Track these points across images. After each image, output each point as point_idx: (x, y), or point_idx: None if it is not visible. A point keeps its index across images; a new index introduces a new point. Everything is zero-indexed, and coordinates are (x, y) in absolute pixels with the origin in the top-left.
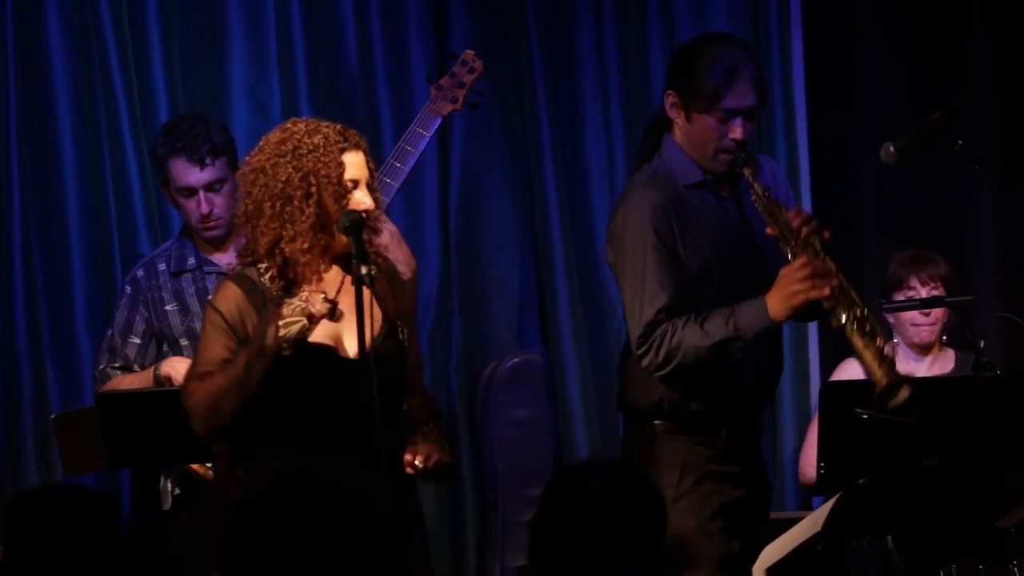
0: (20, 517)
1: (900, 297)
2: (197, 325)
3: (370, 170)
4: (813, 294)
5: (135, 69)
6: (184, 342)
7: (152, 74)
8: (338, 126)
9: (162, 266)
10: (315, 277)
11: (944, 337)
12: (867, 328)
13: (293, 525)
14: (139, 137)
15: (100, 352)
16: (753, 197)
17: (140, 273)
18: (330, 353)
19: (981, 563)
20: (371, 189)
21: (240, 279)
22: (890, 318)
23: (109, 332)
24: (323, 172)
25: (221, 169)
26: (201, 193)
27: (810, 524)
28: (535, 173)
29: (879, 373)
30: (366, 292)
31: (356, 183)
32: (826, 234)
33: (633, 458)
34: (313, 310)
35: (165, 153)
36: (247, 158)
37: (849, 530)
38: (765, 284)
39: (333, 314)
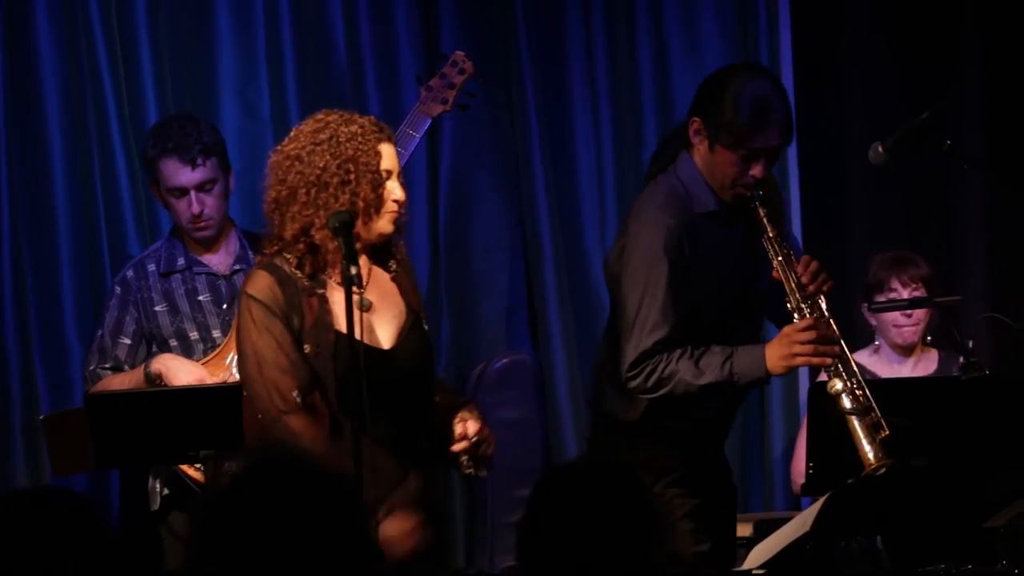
0: (3, 520)
1: (882, 299)
2: (187, 326)
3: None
4: (815, 361)
5: (124, 69)
6: (173, 343)
7: (141, 74)
8: (371, 117)
9: (152, 267)
10: (335, 290)
11: (928, 338)
12: (861, 401)
13: (259, 513)
14: (128, 137)
15: (90, 353)
16: (764, 239)
17: (130, 274)
18: (367, 347)
19: (971, 563)
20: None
21: (271, 268)
22: (872, 320)
23: (99, 333)
24: (362, 160)
25: (212, 169)
26: (192, 193)
27: (799, 524)
28: (524, 173)
29: (869, 456)
30: (368, 287)
31: (390, 173)
32: (828, 286)
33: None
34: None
35: (156, 153)
36: (279, 146)
37: (838, 530)
38: (758, 323)
39: (363, 305)
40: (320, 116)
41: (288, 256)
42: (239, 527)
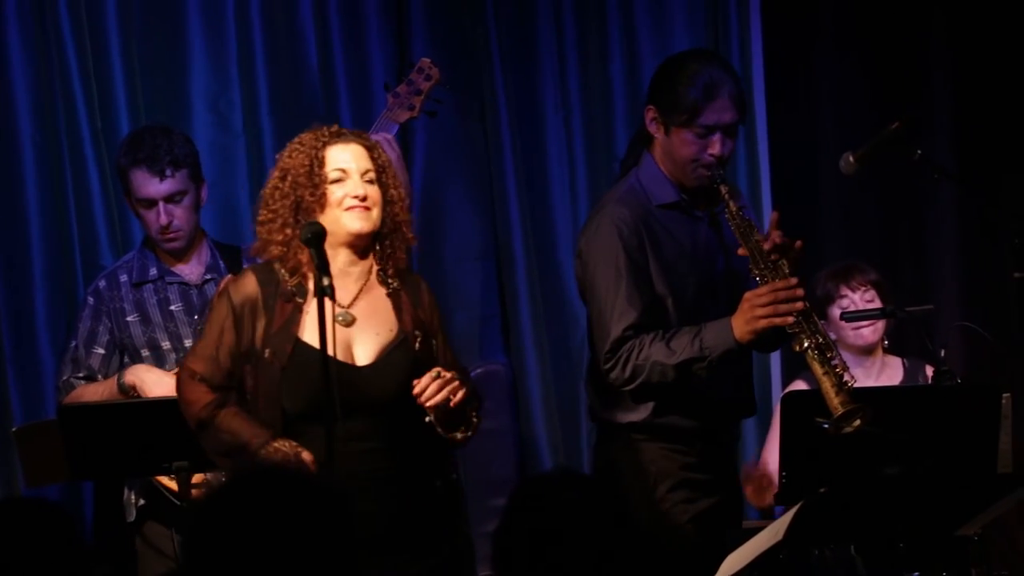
0: None
1: (835, 310)
2: (159, 335)
3: (379, 165)
4: (776, 320)
5: (96, 82)
6: (145, 352)
7: (113, 86)
8: (327, 127)
9: (124, 277)
10: (300, 272)
11: (886, 342)
12: (827, 356)
13: (251, 521)
14: (100, 150)
15: (63, 363)
16: (727, 215)
17: (102, 284)
18: (336, 362)
19: (944, 571)
20: (380, 183)
21: (260, 269)
22: (829, 332)
23: (72, 343)
24: (295, 165)
25: (182, 181)
26: (161, 204)
27: (772, 533)
28: (497, 183)
29: (836, 401)
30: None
31: (345, 172)
32: (798, 243)
33: (605, 465)
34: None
35: (127, 164)
36: None
37: (811, 539)
38: (736, 306)
39: (345, 319)
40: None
41: (277, 265)
42: (229, 536)
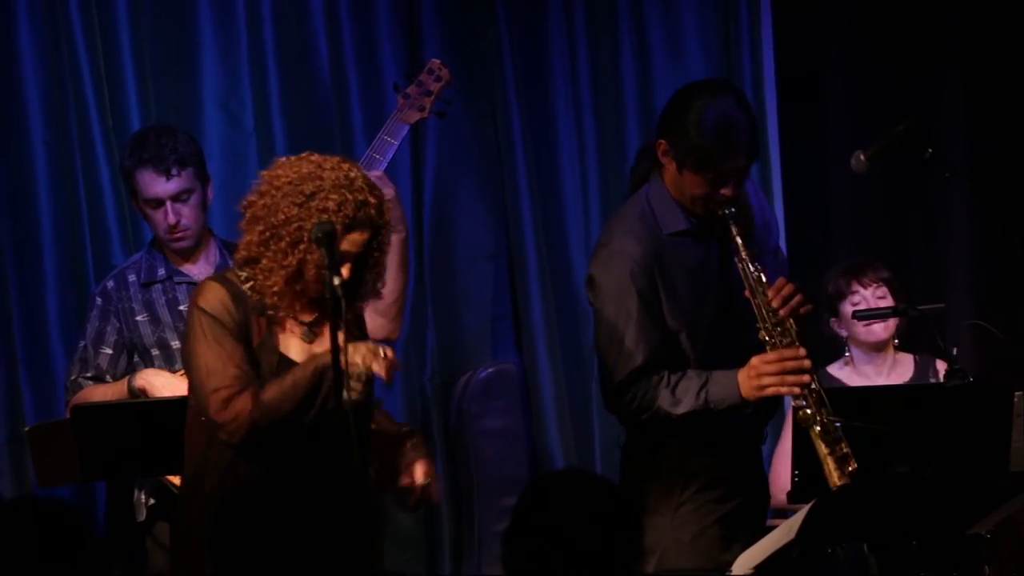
0: None
1: (847, 306)
2: (168, 335)
3: (379, 243)
4: (784, 390)
5: (107, 81)
6: (155, 352)
7: (124, 85)
8: (362, 196)
9: (132, 277)
10: (285, 317)
11: (896, 341)
12: (831, 432)
13: (282, 515)
14: (111, 149)
15: (72, 363)
16: (737, 261)
17: (110, 284)
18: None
19: (955, 570)
20: (368, 265)
21: (222, 281)
22: (841, 330)
23: (82, 343)
24: (320, 221)
25: (188, 180)
26: (168, 204)
27: (784, 532)
28: (508, 183)
29: (835, 477)
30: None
31: (347, 255)
32: (805, 309)
33: (635, 466)
34: (376, 369)
35: (132, 164)
36: (281, 161)
37: (823, 538)
38: (747, 335)
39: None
40: (327, 165)
41: (240, 273)
42: (252, 533)
